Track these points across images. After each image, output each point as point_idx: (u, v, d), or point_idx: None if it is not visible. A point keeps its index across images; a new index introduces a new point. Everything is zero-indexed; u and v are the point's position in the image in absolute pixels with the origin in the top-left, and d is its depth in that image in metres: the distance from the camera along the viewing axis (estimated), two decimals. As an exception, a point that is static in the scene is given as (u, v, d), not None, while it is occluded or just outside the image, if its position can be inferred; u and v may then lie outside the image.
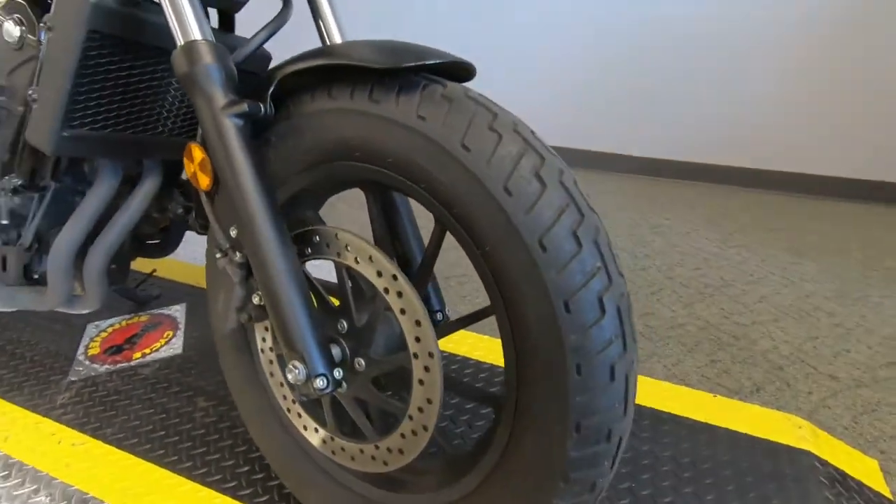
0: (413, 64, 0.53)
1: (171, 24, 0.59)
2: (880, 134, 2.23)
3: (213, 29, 0.84)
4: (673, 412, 1.03)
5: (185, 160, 0.63)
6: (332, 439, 0.70)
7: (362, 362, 0.63)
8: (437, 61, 0.55)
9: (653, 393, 1.09)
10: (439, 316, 0.78)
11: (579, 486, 0.52)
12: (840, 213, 2.22)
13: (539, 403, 0.51)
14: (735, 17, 2.27)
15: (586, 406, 0.49)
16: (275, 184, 0.66)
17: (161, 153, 0.84)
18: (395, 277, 0.57)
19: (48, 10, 0.68)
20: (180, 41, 0.59)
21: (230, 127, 0.58)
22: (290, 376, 0.58)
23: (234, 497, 0.84)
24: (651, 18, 2.40)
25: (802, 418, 1.06)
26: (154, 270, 1.40)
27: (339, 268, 0.64)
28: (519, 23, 2.62)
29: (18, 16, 0.72)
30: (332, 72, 0.59)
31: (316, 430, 0.72)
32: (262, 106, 0.60)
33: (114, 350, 1.19)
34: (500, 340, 0.59)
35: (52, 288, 0.84)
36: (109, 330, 1.27)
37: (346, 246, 0.61)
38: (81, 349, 1.20)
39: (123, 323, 1.29)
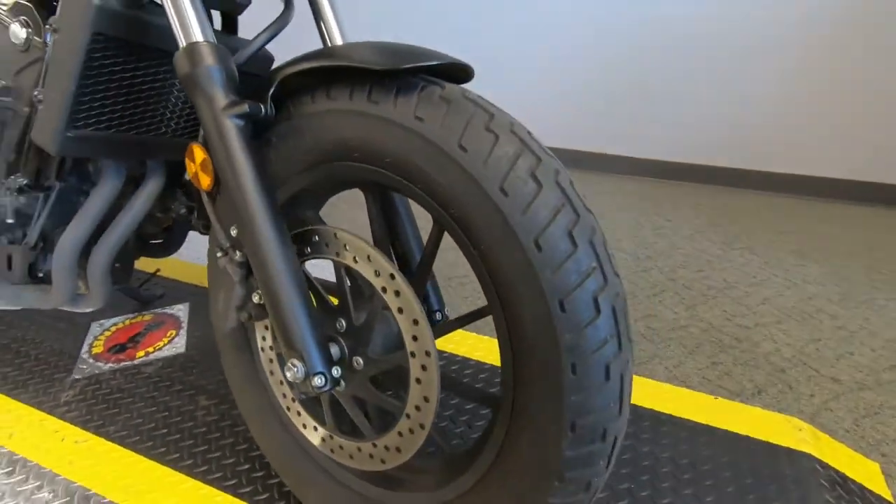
0: (411, 65, 0.54)
1: (173, 26, 0.60)
2: (883, 135, 2.21)
3: (215, 31, 0.85)
4: (673, 414, 1.03)
5: (187, 160, 0.64)
6: (331, 437, 0.70)
7: (360, 361, 0.63)
8: (436, 63, 0.55)
9: (653, 394, 1.09)
10: (438, 316, 0.79)
11: (574, 486, 0.52)
12: (846, 216, 2.21)
13: (535, 403, 0.51)
14: (738, 18, 2.27)
15: (581, 405, 0.49)
16: (275, 184, 0.66)
17: (164, 154, 0.84)
18: (392, 276, 0.58)
19: (54, 13, 0.69)
20: (182, 43, 0.60)
21: (231, 127, 0.59)
22: (288, 374, 0.59)
23: (235, 495, 0.85)
24: (654, 19, 2.40)
25: (804, 421, 1.05)
26: (158, 270, 1.41)
27: (338, 267, 0.65)
28: (520, 23, 2.63)
29: (25, 18, 0.73)
30: (332, 73, 0.59)
31: (315, 429, 0.72)
32: (262, 107, 0.61)
33: (117, 348, 1.21)
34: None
35: (57, 286, 0.85)
36: (113, 329, 1.28)
37: (345, 245, 0.62)
38: (85, 347, 1.21)
39: (127, 322, 1.31)
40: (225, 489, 0.86)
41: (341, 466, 0.73)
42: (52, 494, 0.85)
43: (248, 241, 0.60)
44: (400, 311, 0.58)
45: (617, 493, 0.86)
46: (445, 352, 1.21)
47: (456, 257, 1.78)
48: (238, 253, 0.64)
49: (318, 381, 0.59)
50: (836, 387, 1.21)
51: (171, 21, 0.60)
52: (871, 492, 0.90)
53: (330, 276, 0.78)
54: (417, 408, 0.59)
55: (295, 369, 0.59)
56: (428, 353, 0.57)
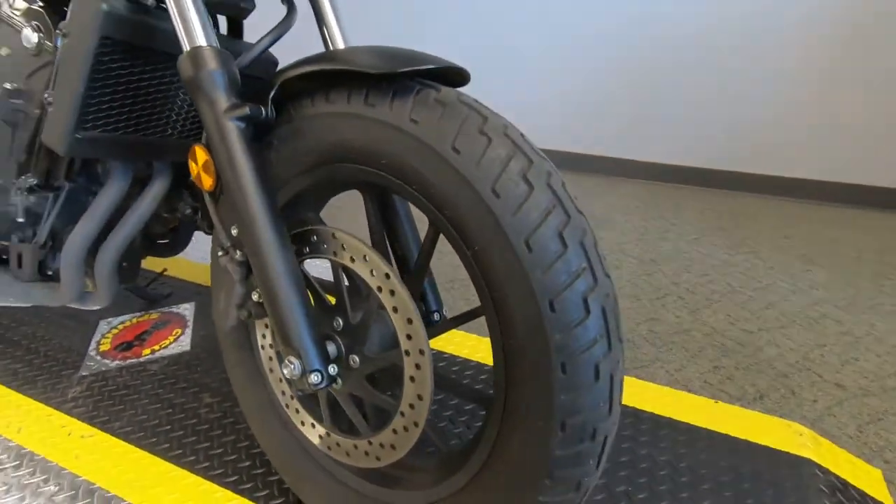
0: (408, 69, 0.55)
1: (177, 31, 0.62)
2: (892, 138, 2.19)
3: (220, 35, 0.87)
4: (673, 417, 1.03)
5: (190, 161, 0.65)
6: (329, 435, 0.71)
7: (357, 359, 0.64)
8: (432, 66, 0.56)
9: (653, 397, 1.09)
10: (436, 316, 0.79)
11: (564, 485, 0.53)
12: (855, 220, 2.19)
13: (526, 402, 0.52)
14: (743, 19, 2.26)
15: (571, 405, 0.50)
16: (276, 185, 0.68)
17: (170, 155, 0.86)
18: (387, 276, 0.59)
19: (64, 18, 0.71)
20: (186, 47, 0.62)
21: (232, 129, 0.61)
22: (286, 371, 0.60)
23: (235, 491, 0.86)
24: (662, 24, 2.39)
25: (806, 426, 1.05)
26: (165, 269, 1.44)
27: (336, 267, 0.66)
28: (524, 27, 2.63)
29: (36, 23, 0.76)
30: (331, 76, 0.60)
31: (313, 426, 0.74)
32: (263, 109, 0.62)
33: (124, 346, 1.23)
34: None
35: (65, 284, 0.87)
36: (120, 327, 1.30)
37: (342, 245, 0.63)
38: (93, 345, 1.23)
39: (134, 320, 1.33)
40: (226, 485, 0.87)
41: (339, 464, 0.74)
42: (57, 488, 0.87)
43: (248, 240, 0.61)
44: (395, 310, 0.59)
45: (615, 495, 0.86)
46: (446, 353, 1.21)
47: (458, 260, 1.78)
48: (238, 252, 0.65)
49: (314, 378, 0.60)
50: (839, 392, 1.20)
51: (176, 25, 0.62)
52: (872, 498, 0.89)
53: (330, 275, 0.79)
54: (411, 406, 0.60)
55: (292, 366, 0.60)
56: (422, 352, 0.58)
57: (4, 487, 0.87)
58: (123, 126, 0.78)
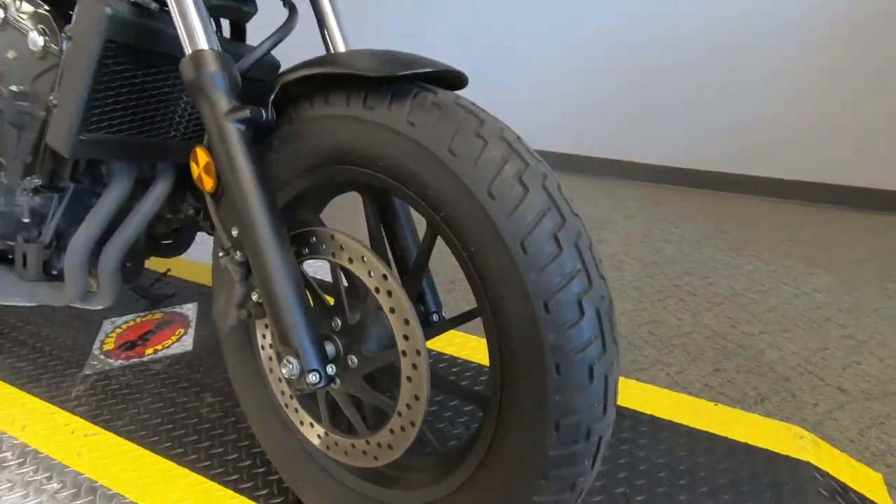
0: (406, 72, 0.56)
1: (179, 34, 0.63)
2: (900, 143, 2.18)
3: (222, 38, 0.88)
4: (672, 419, 1.03)
5: (191, 163, 0.66)
6: (327, 434, 0.72)
7: (355, 359, 0.65)
8: (430, 70, 0.57)
9: (653, 400, 1.09)
10: (435, 317, 0.80)
11: (559, 485, 0.53)
12: (859, 224, 2.18)
13: (521, 402, 0.52)
14: (747, 22, 2.26)
15: (565, 405, 0.50)
16: (276, 186, 0.68)
17: (173, 156, 0.87)
18: (385, 277, 0.59)
19: (70, 22, 0.72)
20: (188, 50, 0.63)
21: (233, 132, 0.61)
22: (284, 371, 0.61)
23: (236, 490, 0.87)
24: (663, 24, 2.39)
25: (806, 430, 1.04)
26: (168, 270, 1.45)
27: (334, 267, 0.67)
28: (525, 27, 2.64)
29: (42, 26, 0.77)
30: (331, 79, 0.61)
31: (312, 426, 0.74)
32: (263, 112, 0.63)
33: (127, 346, 1.24)
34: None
35: (69, 284, 0.88)
36: (124, 326, 1.31)
37: (341, 246, 0.63)
38: (97, 344, 1.24)
39: (138, 320, 1.34)
40: (226, 484, 0.88)
41: (337, 463, 0.74)
42: (60, 485, 0.88)
43: (247, 241, 0.62)
44: (392, 310, 0.59)
45: (613, 497, 0.86)
46: (447, 354, 1.22)
47: (461, 261, 1.79)
48: (238, 253, 0.66)
49: (312, 378, 0.60)
50: (841, 396, 1.19)
51: (178, 29, 0.63)
52: (872, 502, 0.89)
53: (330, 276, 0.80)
54: (408, 406, 0.61)
55: (290, 366, 0.60)
56: (418, 352, 0.58)
57: (8, 484, 0.88)
58: (127, 128, 0.79)
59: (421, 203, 0.56)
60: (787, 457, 0.94)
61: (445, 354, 1.22)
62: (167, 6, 0.65)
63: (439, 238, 0.58)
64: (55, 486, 0.88)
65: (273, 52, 0.84)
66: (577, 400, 0.50)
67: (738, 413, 1.07)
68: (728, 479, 0.90)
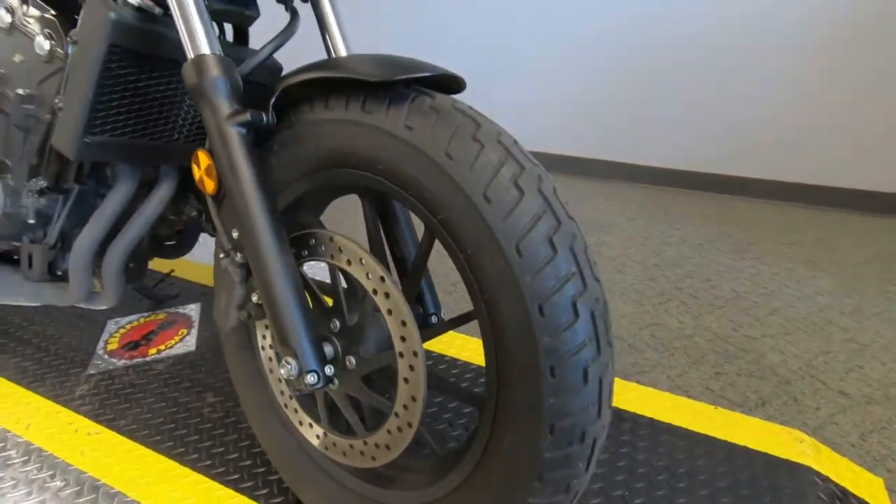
0: (404, 77, 0.56)
1: (182, 39, 0.64)
2: (905, 146, 2.17)
3: (225, 42, 0.89)
4: (672, 422, 1.03)
5: (193, 165, 0.67)
6: (326, 435, 0.73)
7: (353, 360, 0.66)
8: (428, 74, 0.58)
9: (653, 403, 1.09)
10: (434, 319, 0.80)
11: (554, 487, 0.54)
12: (862, 227, 2.17)
13: (516, 404, 0.53)
14: (748, 23, 2.25)
15: (560, 408, 0.51)
16: (277, 189, 0.69)
17: (177, 159, 0.88)
18: (382, 279, 0.60)
19: (75, 26, 0.73)
20: (190, 55, 0.63)
21: (234, 135, 0.62)
22: (283, 371, 0.61)
23: (236, 489, 0.88)
24: (667, 27, 2.39)
25: (807, 434, 1.04)
26: (172, 271, 1.46)
27: (333, 269, 0.67)
28: (525, 28, 2.64)
29: (49, 31, 0.78)
30: (331, 84, 0.62)
31: (311, 426, 0.75)
32: (264, 115, 0.64)
33: (131, 346, 1.25)
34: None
35: (73, 284, 0.89)
36: (128, 326, 1.33)
37: (339, 249, 0.64)
38: (101, 344, 1.26)
39: (142, 320, 1.35)
40: (226, 483, 0.89)
41: (336, 464, 0.75)
42: (63, 483, 0.89)
43: (248, 243, 0.63)
44: (389, 312, 0.60)
45: (612, 499, 0.86)
46: (447, 356, 1.22)
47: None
48: (239, 255, 0.67)
49: (310, 378, 0.61)
50: (843, 400, 1.19)
51: (181, 34, 0.64)
52: (872, 507, 0.89)
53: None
54: (405, 407, 0.61)
55: (289, 367, 0.61)
56: (415, 354, 0.59)
57: (12, 482, 0.89)
58: (131, 130, 0.80)
59: (419, 206, 0.56)
60: (786, 461, 0.94)
61: (446, 356, 1.22)
62: (170, 11, 0.66)
63: (438, 240, 0.58)
64: (58, 483, 0.89)
65: (277, 56, 0.85)
66: (571, 402, 0.50)
67: (738, 416, 1.07)
68: (727, 483, 0.89)
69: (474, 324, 0.69)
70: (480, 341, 1.28)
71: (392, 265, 0.81)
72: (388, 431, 0.64)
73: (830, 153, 2.29)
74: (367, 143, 0.58)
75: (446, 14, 2.75)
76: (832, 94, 2.22)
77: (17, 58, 0.83)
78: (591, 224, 2.17)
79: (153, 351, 1.23)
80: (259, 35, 0.93)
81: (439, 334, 0.72)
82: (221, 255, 0.68)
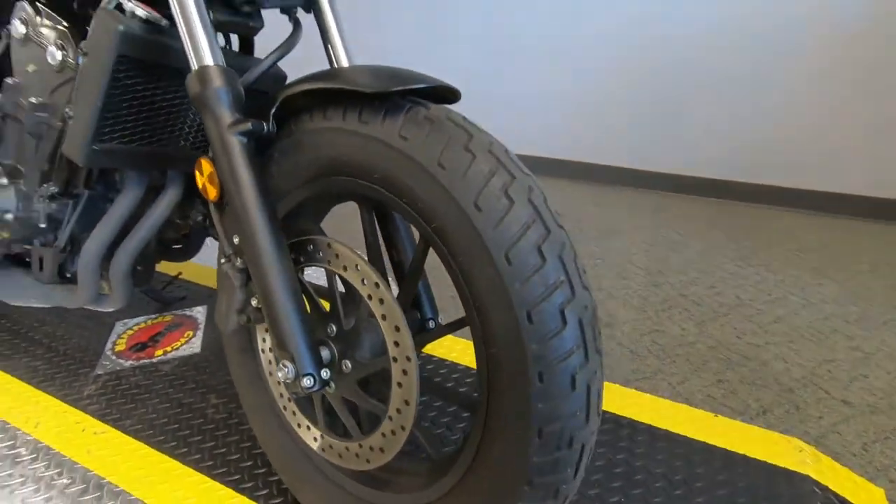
0: (399, 88, 0.58)
1: (186, 50, 0.66)
2: (915, 153, 2.15)
3: (230, 51, 0.91)
4: (670, 429, 1.03)
5: (196, 173, 0.69)
6: (323, 437, 0.74)
7: (349, 364, 0.67)
8: (423, 86, 0.59)
9: (651, 409, 1.09)
10: (431, 324, 0.81)
11: (543, 491, 0.54)
12: (869, 234, 2.15)
13: (505, 410, 0.54)
14: (759, 32, 2.24)
15: (548, 413, 0.52)
16: (277, 196, 0.71)
17: (183, 165, 0.91)
18: (377, 285, 0.61)
19: (86, 37, 0.76)
20: (194, 66, 0.66)
21: (235, 144, 0.64)
22: (280, 374, 0.63)
23: (237, 490, 0.89)
24: (672, 32, 2.39)
25: (808, 443, 1.04)
26: (179, 273, 1.49)
27: (330, 275, 0.69)
28: (539, 35, 2.65)
29: (60, 42, 0.81)
30: (329, 94, 0.64)
31: (308, 428, 0.76)
32: (265, 124, 0.66)
33: (138, 347, 1.28)
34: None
35: (82, 286, 0.92)
36: (136, 328, 1.35)
37: (336, 255, 0.66)
38: (109, 345, 1.28)
39: (149, 322, 1.38)
40: (227, 484, 0.90)
41: (333, 466, 0.76)
42: (70, 481, 0.91)
43: (247, 249, 0.65)
44: (384, 318, 0.61)
45: (607, 505, 0.87)
46: (447, 360, 1.23)
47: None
48: (239, 260, 0.68)
49: (307, 381, 0.62)
50: (846, 409, 1.18)
51: (185, 45, 0.66)
52: (872, 518, 0.88)
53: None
54: (398, 410, 0.62)
55: (286, 370, 0.63)
56: (408, 359, 0.60)
57: (21, 479, 0.92)
58: (138, 138, 0.82)
59: (413, 214, 0.58)
60: (785, 469, 0.94)
61: (447, 361, 1.23)
62: (176, 23, 0.68)
63: (432, 248, 0.60)
64: (65, 481, 0.91)
65: (282, 64, 0.87)
66: (559, 408, 0.51)
67: (737, 424, 1.06)
68: (725, 491, 0.89)
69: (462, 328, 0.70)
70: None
71: (392, 270, 0.83)
72: (383, 434, 0.65)
73: (838, 159, 2.27)
74: (364, 152, 0.59)
75: (457, 17, 2.76)
76: (840, 100, 2.20)
77: (31, 67, 0.86)
78: (596, 230, 2.17)
79: (159, 352, 1.26)
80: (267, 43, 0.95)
81: (435, 339, 0.74)
82: (223, 260, 0.70)
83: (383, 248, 0.75)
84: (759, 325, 1.50)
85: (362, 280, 0.63)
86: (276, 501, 0.87)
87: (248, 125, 0.64)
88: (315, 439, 0.75)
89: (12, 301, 1.01)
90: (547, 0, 2.56)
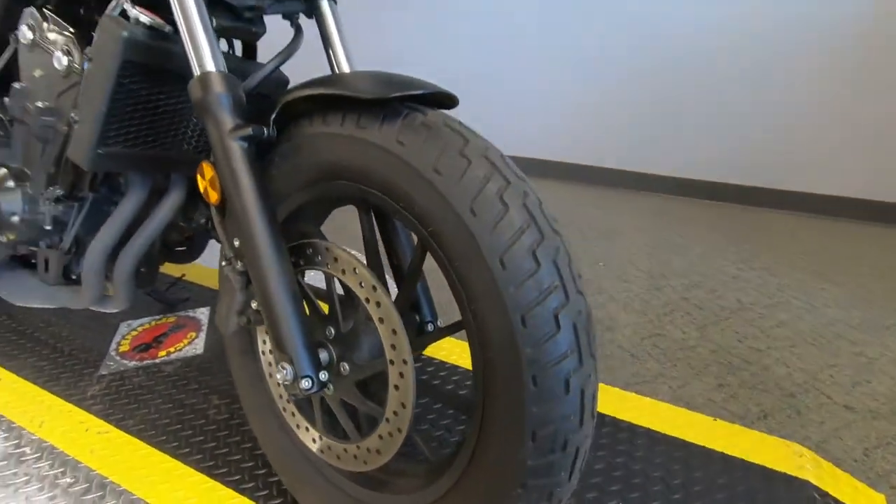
0: (397, 94, 0.59)
1: (189, 56, 0.67)
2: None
3: (233, 56, 0.92)
4: (669, 433, 1.03)
5: (198, 177, 0.70)
6: (321, 438, 0.75)
7: (346, 366, 0.68)
8: (421, 92, 0.60)
9: (651, 413, 1.09)
10: (430, 326, 0.82)
11: (537, 494, 0.55)
12: (874, 238, 2.13)
13: (500, 412, 0.54)
14: (762, 35, 2.24)
15: (542, 417, 0.52)
16: (277, 200, 0.72)
17: (186, 169, 0.92)
18: (374, 289, 0.62)
19: (91, 43, 0.77)
20: (196, 72, 0.67)
21: (236, 149, 0.65)
22: (278, 376, 0.64)
23: (237, 490, 0.90)
24: (676, 33, 2.39)
25: (809, 448, 1.03)
26: (183, 275, 1.50)
27: (329, 278, 0.70)
28: (541, 38, 2.66)
29: (67, 47, 0.82)
30: (329, 99, 0.64)
31: (307, 430, 0.77)
32: (265, 129, 0.67)
33: (142, 348, 1.29)
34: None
35: (86, 288, 0.93)
36: (140, 329, 1.37)
37: (335, 258, 0.66)
38: (113, 345, 1.30)
39: (153, 323, 1.39)
40: (228, 484, 0.91)
41: (331, 467, 0.77)
42: (73, 480, 0.92)
43: (248, 252, 0.65)
44: (381, 321, 0.62)
45: (605, 509, 0.87)
46: (448, 362, 1.24)
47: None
48: (240, 262, 0.69)
49: (305, 383, 0.63)
50: (848, 415, 1.18)
51: (187, 51, 0.67)
52: (872, 524, 0.88)
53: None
54: (395, 413, 0.63)
55: (284, 371, 0.63)
56: (405, 362, 0.61)
57: (26, 478, 0.93)
58: (142, 142, 0.84)
59: (410, 218, 0.58)
60: (785, 475, 0.94)
61: (447, 363, 1.24)
62: (179, 29, 0.69)
63: (428, 251, 0.60)
64: (68, 480, 0.92)
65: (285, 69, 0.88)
66: (553, 412, 0.52)
67: (737, 429, 1.06)
68: (724, 496, 0.89)
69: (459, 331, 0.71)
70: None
71: (392, 273, 0.83)
72: (380, 437, 0.66)
73: (843, 163, 2.26)
74: (362, 157, 0.60)
75: (458, 22, 2.77)
76: (843, 104, 2.19)
77: (38, 73, 0.88)
78: (599, 233, 2.17)
79: (163, 353, 1.27)
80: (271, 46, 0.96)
81: (434, 341, 0.74)
82: (224, 263, 0.71)
83: (383, 252, 0.76)
84: (760, 329, 1.50)
85: (360, 283, 0.63)
86: (276, 502, 0.88)
87: (249, 130, 0.65)
88: (314, 441, 0.76)
89: (18, 302, 1.02)
90: (547, 1, 2.57)
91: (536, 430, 0.52)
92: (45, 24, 0.85)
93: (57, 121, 0.86)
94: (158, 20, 0.74)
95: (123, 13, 0.73)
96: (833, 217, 2.33)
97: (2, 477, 0.93)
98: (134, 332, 1.35)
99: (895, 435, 1.12)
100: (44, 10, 0.86)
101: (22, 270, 1.05)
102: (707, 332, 1.48)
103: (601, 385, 1.20)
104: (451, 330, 0.70)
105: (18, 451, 0.99)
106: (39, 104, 0.86)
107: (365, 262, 0.67)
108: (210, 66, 0.66)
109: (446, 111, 0.63)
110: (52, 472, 0.94)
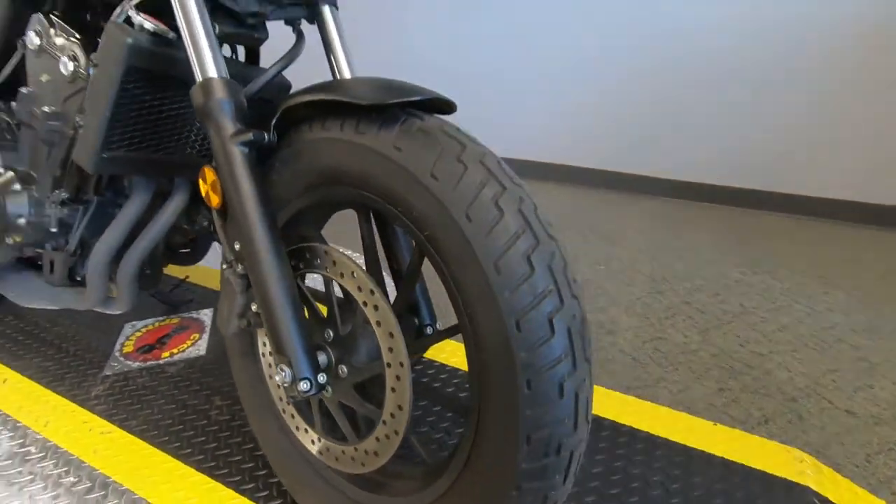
0: (396, 100, 0.59)
1: (191, 63, 0.68)
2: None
3: (235, 61, 0.94)
4: (669, 437, 1.03)
5: (200, 181, 0.71)
6: (320, 440, 0.75)
7: (345, 369, 0.68)
8: (419, 98, 0.61)
9: (650, 417, 1.09)
10: (429, 329, 0.82)
11: (532, 497, 0.55)
12: (877, 242, 2.12)
13: (495, 416, 0.55)
14: (762, 35, 2.23)
15: (536, 420, 0.52)
16: (277, 204, 0.73)
17: (189, 172, 0.93)
18: (372, 292, 0.63)
19: (97, 49, 0.78)
20: (198, 78, 0.68)
21: (237, 154, 0.66)
22: (277, 378, 0.64)
23: (238, 490, 0.91)
24: (679, 36, 2.39)
25: (810, 453, 1.03)
26: (187, 277, 1.51)
27: (327, 281, 0.70)
28: (541, 38, 2.66)
29: (73, 53, 0.84)
30: (328, 105, 0.65)
31: (306, 431, 0.78)
32: (266, 135, 0.68)
33: (146, 349, 1.30)
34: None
35: (91, 289, 0.94)
36: (144, 330, 1.38)
37: (334, 262, 0.67)
38: (118, 346, 1.31)
39: (157, 324, 1.41)
40: (228, 484, 0.92)
41: (330, 469, 0.77)
42: (76, 479, 0.93)
43: (248, 255, 0.66)
44: (378, 324, 0.63)
45: (603, 513, 0.87)
46: (448, 365, 1.24)
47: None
48: (240, 265, 0.70)
49: (303, 385, 0.64)
50: (850, 420, 1.17)
51: (190, 58, 0.68)
52: (872, 530, 0.88)
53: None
54: (392, 415, 0.64)
55: (283, 374, 0.64)
56: (402, 364, 0.61)
57: (30, 477, 0.94)
58: (146, 146, 0.85)
59: (407, 223, 0.59)
60: (785, 480, 0.93)
61: (447, 366, 1.24)
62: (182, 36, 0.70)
63: (426, 255, 0.61)
64: (72, 479, 0.93)
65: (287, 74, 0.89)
66: (547, 415, 0.52)
67: (737, 433, 1.06)
68: (722, 501, 0.89)
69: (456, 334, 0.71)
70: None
71: (391, 276, 0.84)
72: (377, 439, 0.66)
73: (845, 167, 2.25)
74: (360, 162, 0.61)
75: (460, 26, 2.78)
76: (848, 107, 2.18)
77: (44, 77, 0.89)
78: (601, 236, 2.17)
79: (166, 354, 1.28)
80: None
81: (433, 344, 0.75)
82: (225, 266, 0.72)
83: (382, 256, 0.76)
84: (762, 333, 1.49)
85: (358, 287, 0.64)
86: (276, 503, 0.88)
87: (250, 135, 0.66)
88: (313, 442, 0.77)
89: (24, 302, 1.04)
90: (547, 2, 2.57)
91: (531, 433, 0.53)
92: (51, 30, 0.86)
93: (63, 125, 0.87)
94: (162, 27, 0.75)
95: (128, 20, 0.75)
96: (835, 220, 2.31)
97: (7, 476, 0.94)
98: (138, 334, 1.36)
99: (897, 441, 1.11)
100: (51, 16, 0.87)
101: (28, 272, 1.06)
102: (709, 337, 1.47)
103: (601, 389, 1.20)
104: (449, 333, 0.70)
105: (23, 450, 1.00)
106: (46, 109, 0.87)
107: (364, 265, 0.68)
108: (212, 73, 0.67)
109: (444, 117, 0.63)
110: (55, 472, 0.95)
